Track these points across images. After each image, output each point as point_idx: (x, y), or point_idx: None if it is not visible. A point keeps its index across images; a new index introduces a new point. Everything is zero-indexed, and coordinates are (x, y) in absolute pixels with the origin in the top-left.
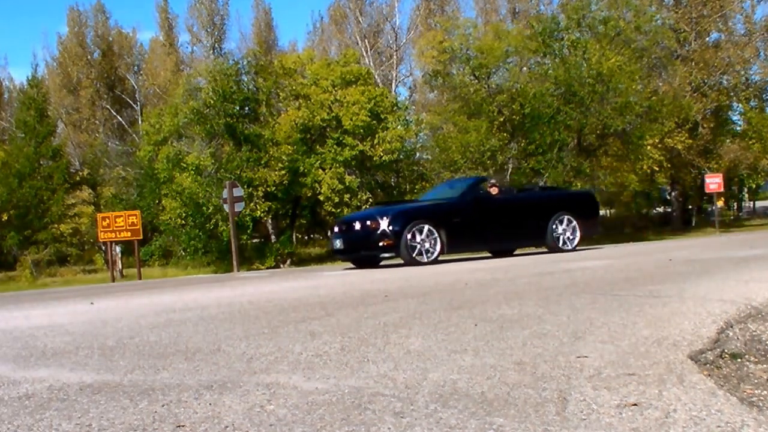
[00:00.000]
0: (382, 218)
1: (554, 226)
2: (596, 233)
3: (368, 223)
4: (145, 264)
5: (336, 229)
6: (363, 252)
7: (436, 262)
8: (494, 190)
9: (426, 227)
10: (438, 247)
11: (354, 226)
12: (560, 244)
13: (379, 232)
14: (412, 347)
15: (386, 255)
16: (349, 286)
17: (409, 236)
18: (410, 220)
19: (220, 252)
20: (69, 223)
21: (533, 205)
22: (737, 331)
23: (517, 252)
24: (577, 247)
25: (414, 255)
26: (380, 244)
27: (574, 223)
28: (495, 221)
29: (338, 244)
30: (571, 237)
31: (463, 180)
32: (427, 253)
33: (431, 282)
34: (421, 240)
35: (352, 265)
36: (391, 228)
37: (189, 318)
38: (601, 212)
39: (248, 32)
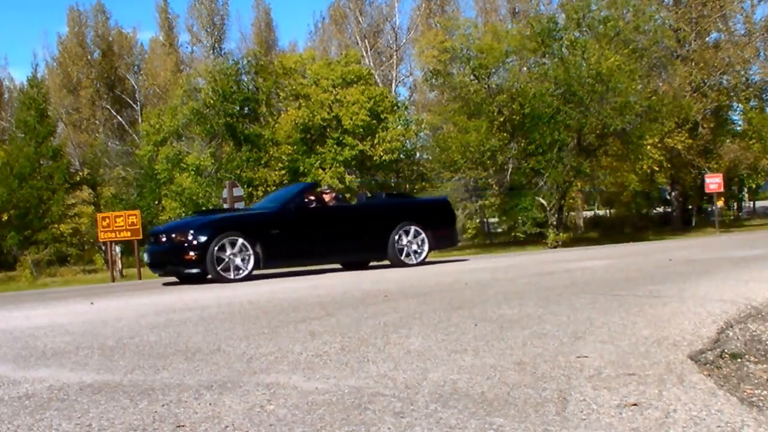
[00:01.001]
0: (188, 230)
1: (397, 238)
2: (452, 244)
3: (174, 235)
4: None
5: (149, 241)
6: (170, 267)
7: (250, 278)
8: (328, 198)
9: (240, 240)
10: (252, 263)
11: (161, 238)
12: (403, 258)
13: (185, 245)
14: (412, 347)
15: (192, 271)
16: (349, 286)
17: (216, 249)
18: (219, 232)
19: None
20: (69, 223)
21: (372, 214)
22: (737, 331)
23: (516, 252)
24: (426, 261)
25: (220, 270)
26: (185, 258)
27: (422, 234)
28: (322, 233)
29: (146, 257)
30: (417, 250)
31: (293, 187)
32: (236, 270)
33: (431, 282)
34: (232, 254)
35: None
36: (196, 240)
37: (189, 318)
38: (601, 212)
39: (248, 32)
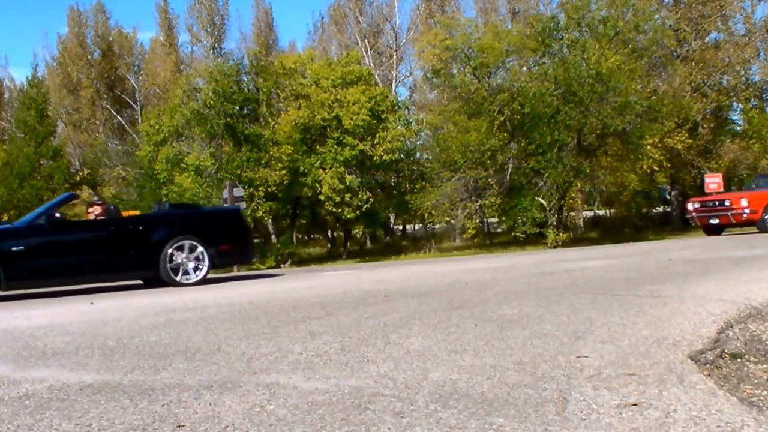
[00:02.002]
0: None
1: (170, 254)
2: (243, 261)
3: None
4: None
5: None
6: None
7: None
8: (98, 211)
9: None
10: None
11: None
12: (179, 277)
13: None
14: (412, 347)
15: None
16: (349, 286)
17: None
18: None
19: None
20: None
21: (141, 228)
22: (737, 331)
23: (516, 252)
24: (208, 278)
25: None
26: None
27: (201, 249)
28: (76, 250)
29: None
30: (197, 267)
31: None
32: None
33: (431, 282)
34: None
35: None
36: None
37: (189, 318)
38: (601, 212)
39: (248, 32)
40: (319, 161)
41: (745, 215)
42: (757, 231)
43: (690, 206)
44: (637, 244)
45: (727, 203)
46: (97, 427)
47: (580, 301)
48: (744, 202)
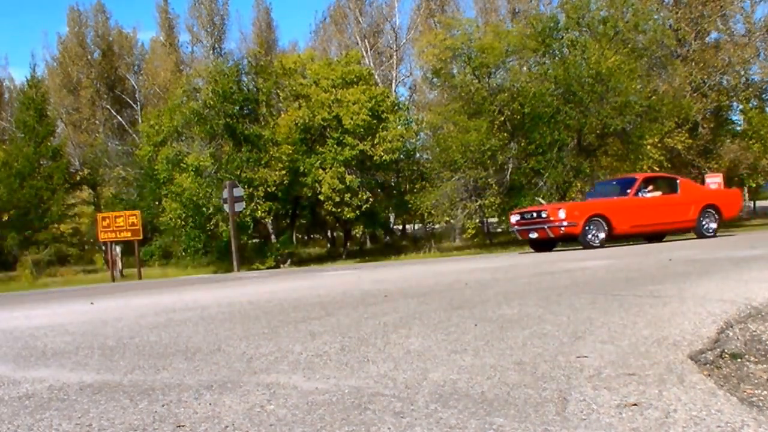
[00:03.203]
0: None
1: None
2: None
3: None
4: (145, 264)
5: None
6: None
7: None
8: None
9: None
10: None
11: None
12: None
13: None
14: (412, 347)
15: None
16: (349, 286)
17: None
18: None
19: (220, 252)
20: (69, 223)
21: None
22: (737, 331)
23: (516, 252)
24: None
25: None
26: None
27: None
28: None
29: None
30: None
31: None
32: None
33: (431, 282)
34: None
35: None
36: None
37: (189, 318)
38: None
39: (248, 32)
40: (319, 161)
41: (563, 228)
42: (582, 247)
43: (512, 218)
44: (638, 244)
45: (544, 215)
46: (97, 427)
47: (580, 301)
48: (562, 214)
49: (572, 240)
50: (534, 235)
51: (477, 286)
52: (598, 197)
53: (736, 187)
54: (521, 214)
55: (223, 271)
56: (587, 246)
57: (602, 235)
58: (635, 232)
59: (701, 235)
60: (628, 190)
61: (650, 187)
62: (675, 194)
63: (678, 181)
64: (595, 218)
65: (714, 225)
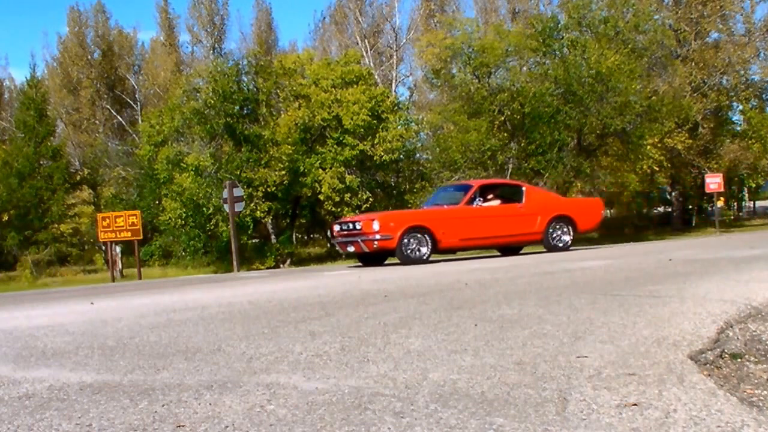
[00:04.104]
0: None
1: None
2: None
3: None
4: (145, 264)
5: None
6: None
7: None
8: None
9: None
10: None
11: None
12: None
13: None
14: (412, 347)
15: None
16: (349, 286)
17: None
18: None
19: (220, 252)
20: (69, 223)
21: None
22: (737, 331)
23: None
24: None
25: None
26: None
27: None
28: None
29: None
30: None
31: None
32: None
33: (431, 282)
34: None
35: (352, 265)
36: None
37: (189, 318)
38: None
39: (248, 32)
40: (319, 161)
41: (376, 243)
42: (399, 262)
43: (334, 228)
44: (638, 244)
45: (358, 227)
46: (97, 427)
47: (580, 301)
48: (375, 226)
49: (384, 255)
50: (351, 249)
51: (477, 286)
52: (432, 205)
53: (597, 197)
54: (341, 224)
55: (223, 271)
56: (406, 262)
57: (424, 250)
58: (467, 245)
59: (551, 248)
60: (460, 199)
61: (491, 195)
62: (518, 204)
63: (523, 189)
64: (415, 230)
65: (567, 238)
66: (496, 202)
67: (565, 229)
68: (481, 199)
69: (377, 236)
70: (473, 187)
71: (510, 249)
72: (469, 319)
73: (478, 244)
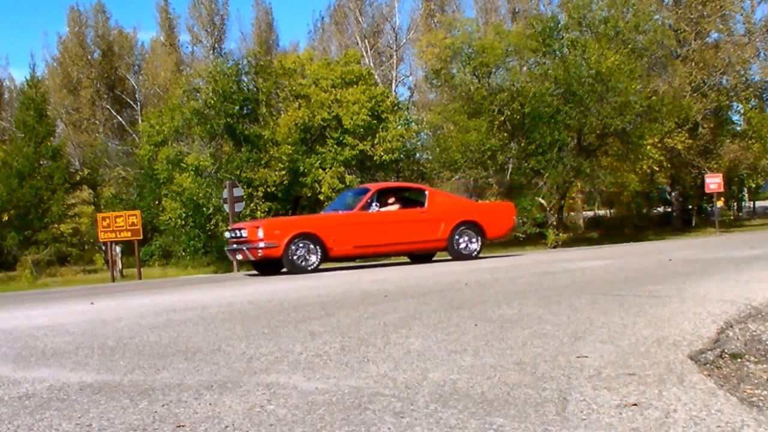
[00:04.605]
0: None
1: None
2: None
3: None
4: (145, 264)
5: None
6: None
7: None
8: None
9: None
10: None
11: None
12: None
13: None
14: (412, 347)
15: None
16: (349, 286)
17: None
18: None
19: (220, 252)
20: (69, 223)
21: None
22: (737, 331)
23: (516, 252)
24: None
25: None
26: None
27: None
28: None
29: None
30: None
31: None
32: None
33: (431, 282)
34: None
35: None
36: None
37: (189, 318)
38: (601, 212)
39: (248, 32)
40: (319, 161)
41: (260, 251)
42: (286, 271)
43: (226, 235)
44: (638, 244)
45: (244, 234)
46: (97, 427)
47: (580, 301)
48: (260, 233)
49: (269, 264)
50: (239, 257)
51: (477, 286)
52: (330, 210)
53: (507, 201)
54: (231, 231)
55: (223, 271)
56: (294, 271)
57: (314, 259)
58: (362, 253)
59: (458, 256)
60: (355, 204)
61: (392, 200)
62: (420, 209)
63: (426, 193)
64: (303, 238)
65: (475, 246)
66: (395, 207)
67: (473, 236)
68: (378, 204)
69: (261, 244)
70: (370, 191)
71: (420, 256)
72: (469, 319)
73: (374, 251)
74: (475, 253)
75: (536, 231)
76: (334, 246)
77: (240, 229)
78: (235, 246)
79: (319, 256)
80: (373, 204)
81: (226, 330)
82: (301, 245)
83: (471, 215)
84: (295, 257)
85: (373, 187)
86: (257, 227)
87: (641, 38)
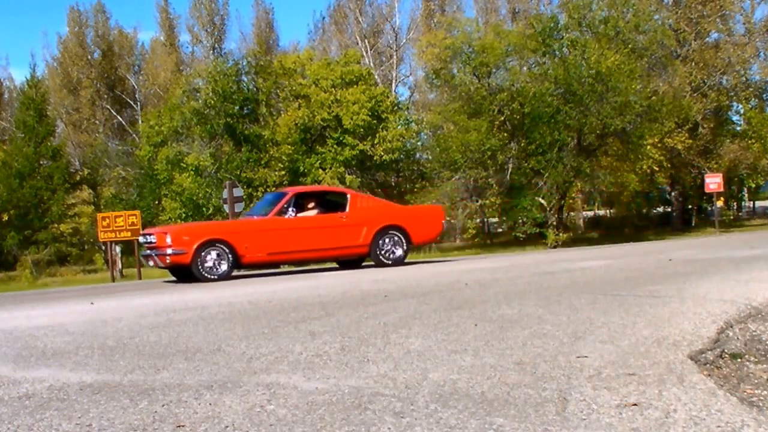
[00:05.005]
0: None
1: None
2: None
3: None
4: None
5: None
6: None
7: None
8: None
9: None
10: None
11: None
12: None
13: None
14: (412, 347)
15: None
16: (349, 286)
17: None
18: None
19: None
20: (69, 223)
21: None
22: (737, 331)
23: (516, 252)
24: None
25: None
26: None
27: None
28: None
29: None
30: None
31: None
32: None
33: (431, 282)
34: None
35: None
36: None
37: (189, 318)
38: (601, 212)
39: (248, 32)
40: (319, 161)
41: (168, 257)
42: (195, 279)
43: (140, 239)
44: (637, 244)
45: (153, 240)
46: (97, 427)
47: (580, 301)
48: (168, 239)
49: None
50: (151, 263)
51: (477, 286)
52: (249, 215)
53: (438, 204)
54: (142, 235)
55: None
56: (203, 279)
57: (225, 266)
58: (277, 260)
59: (381, 263)
60: (271, 209)
61: (312, 204)
62: (340, 213)
63: (347, 197)
64: (213, 244)
65: (400, 251)
66: (314, 212)
67: (397, 242)
68: (295, 209)
69: (169, 251)
70: (286, 196)
71: (348, 262)
72: (469, 319)
73: (290, 258)
74: (400, 259)
75: (536, 231)
76: (246, 253)
77: (149, 235)
78: (147, 251)
79: (230, 264)
80: (290, 209)
81: (226, 330)
82: (211, 252)
83: (395, 220)
84: (204, 264)
85: (291, 190)
86: (165, 233)
87: (641, 38)
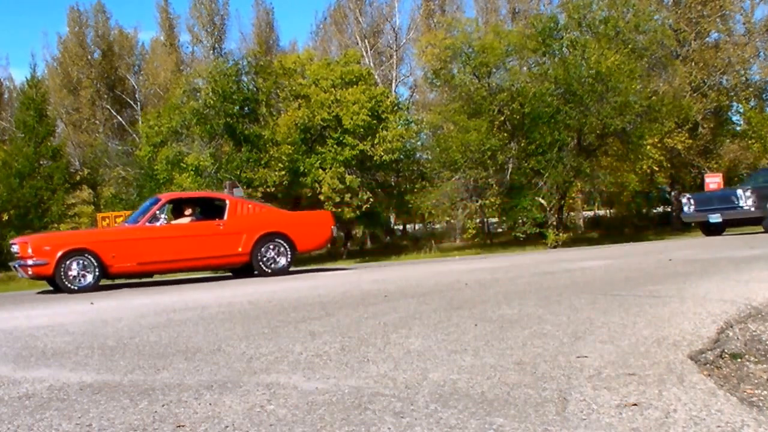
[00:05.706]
0: None
1: None
2: None
3: None
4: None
5: None
6: None
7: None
8: None
9: None
10: None
11: None
12: None
13: None
14: (412, 347)
15: None
16: (349, 286)
17: None
18: None
19: None
20: (69, 223)
21: None
22: (737, 331)
23: (516, 252)
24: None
25: None
26: None
27: None
28: None
29: None
30: None
31: None
32: None
33: (431, 282)
34: None
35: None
36: None
37: (189, 318)
38: (601, 212)
39: (248, 32)
40: (319, 161)
41: (30, 269)
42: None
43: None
44: (637, 244)
45: (17, 250)
46: (97, 427)
47: (580, 301)
48: (29, 249)
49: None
50: (20, 274)
51: (477, 286)
52: (129, 222)
53: (326, 210)
54: (11, 244)
55: (223, 271)
56: (66, 290)
57: (90, 278)
58: (149, 270)
59: (263, 273)
60: (143, 216)
61: (188, 211)
62: (217, 221)
63: (226, 203)
64: (77, 254)
65: (283, 261)
66: (188, 220)
67: (281, 250)
68: (167, 217)
69: (30, 261)
70: (159, 202)
71: (238, 270)
72: (469, 319)
73: (162, 268)
74: (284, 268)
75: (536, 231)
76: (113, 263)
77: (14, 245)
78: (16, 262)
79: (96, 274)
80: (162, 216)
81: (226, 330)
82: (76, 262)
83: (278, 226)
84: (68, 275)
85: (164, 197)
86: (26, 243)
87: (641, 38)
